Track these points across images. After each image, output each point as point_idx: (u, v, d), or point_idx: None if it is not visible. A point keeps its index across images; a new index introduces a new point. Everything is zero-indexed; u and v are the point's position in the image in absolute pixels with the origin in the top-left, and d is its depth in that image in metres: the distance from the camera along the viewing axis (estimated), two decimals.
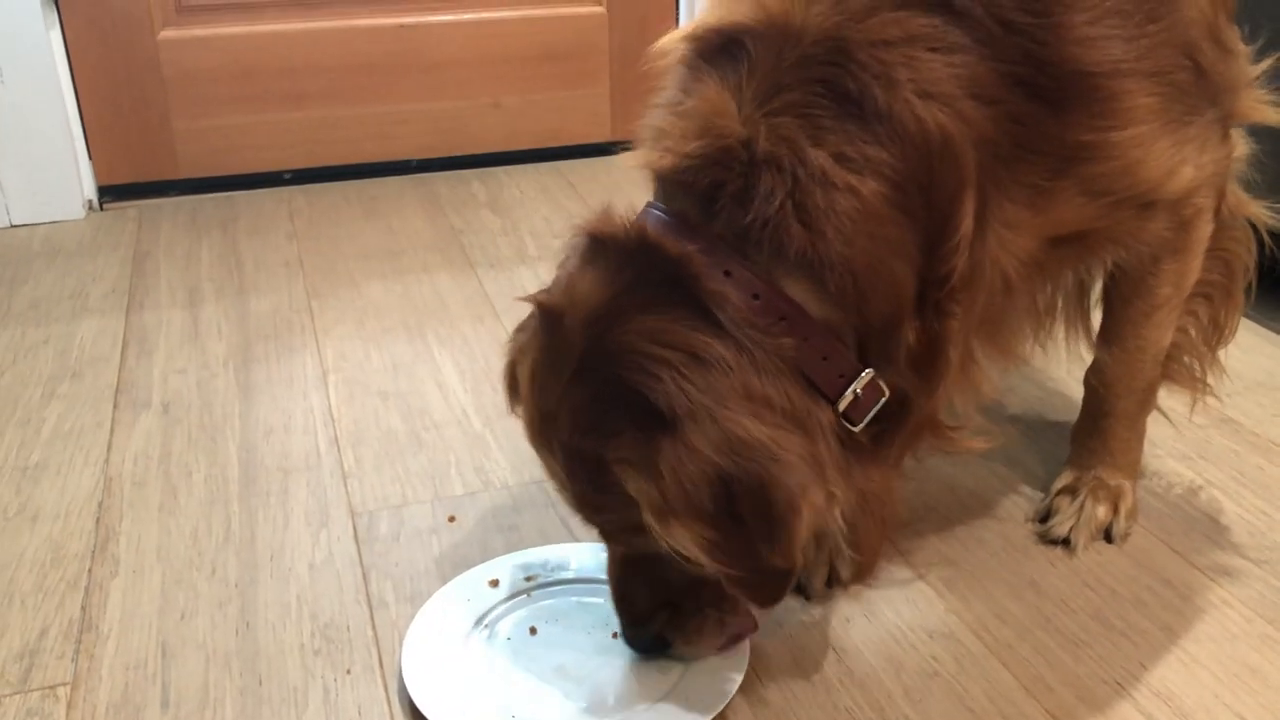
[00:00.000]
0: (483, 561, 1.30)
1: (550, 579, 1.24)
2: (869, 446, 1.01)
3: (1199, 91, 1.08)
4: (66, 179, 2.35)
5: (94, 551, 1.35)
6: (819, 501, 0.94)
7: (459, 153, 2.62)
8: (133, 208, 2.44)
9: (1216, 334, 1.36)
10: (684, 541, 0.93)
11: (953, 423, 1.12)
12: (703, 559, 0.94)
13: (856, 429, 0.99)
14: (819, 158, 0.92)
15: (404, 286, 2.05)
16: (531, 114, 2.64)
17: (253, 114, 2.49)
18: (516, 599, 1.22)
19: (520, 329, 1.04)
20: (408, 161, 2.60)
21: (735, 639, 1.12)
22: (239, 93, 2.46)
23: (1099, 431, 1.36)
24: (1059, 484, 1.38)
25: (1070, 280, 1.32)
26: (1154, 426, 1.57)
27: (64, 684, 1.15)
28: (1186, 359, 1.35)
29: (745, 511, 0.91)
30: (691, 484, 0.90)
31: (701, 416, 0.90)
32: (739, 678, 1.11)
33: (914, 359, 1.01)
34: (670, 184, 0.99)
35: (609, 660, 1.14)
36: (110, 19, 2.35)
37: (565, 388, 0.96)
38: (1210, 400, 1.42)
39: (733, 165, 0.93)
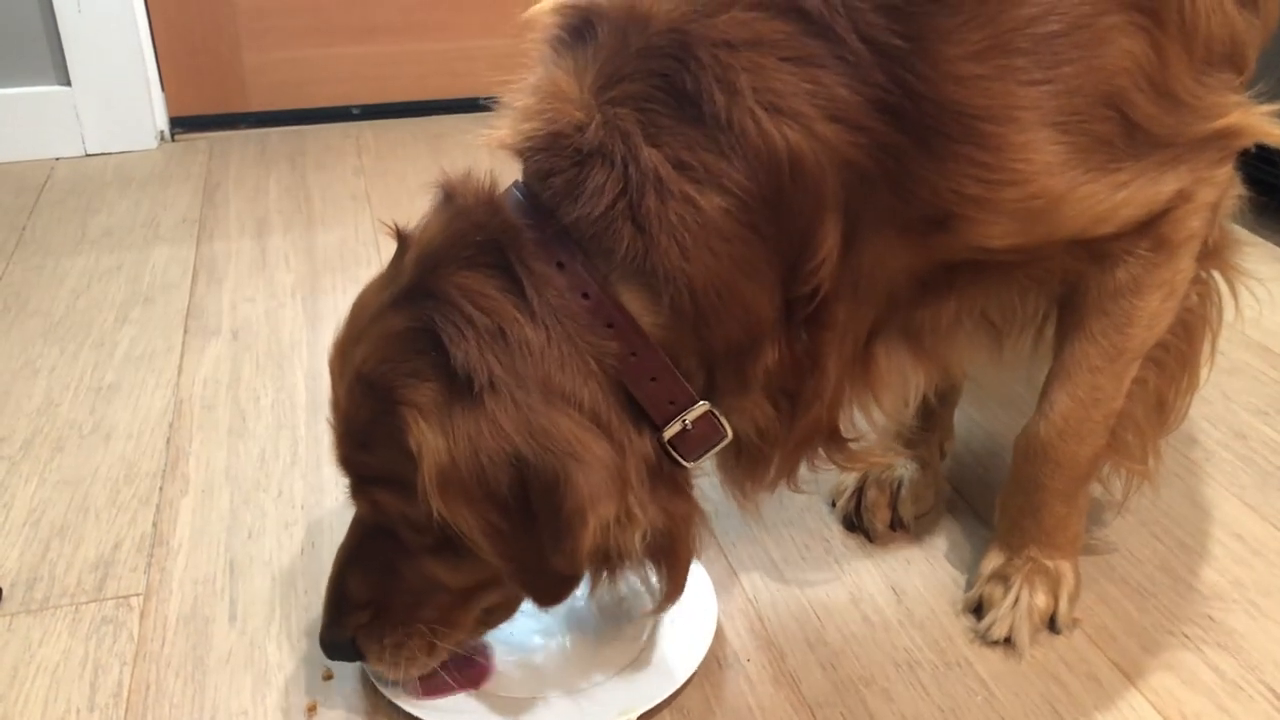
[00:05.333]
0: None
1: None
2: (680, 485, 0.95)
3: (1129, 142, 0.92)
4: (140, 110, 2.38)
5: (165, 470, 1.38)
6: (609, 515, 0.87)
7: None
8: (203, 139, 2.46)
9: (1162, 415, 1.14)
10: (466, 521, 0.86)
11: (851, 434, 1.04)
12: (483, 545, 0.88)
13: (687, 464, 0.94)
14: (654, 159, 0.84)
15: None
16: None
17: (322, 48, 2.49)
18: None
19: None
20: (475, 99, 2.60)
21: (439, 686, 1.01)
22: (309, 26, 2.47)
23: (1032, 508, 1.14)
24: (988, 566, 1.17)
25: (1024, 301, 1.10)
26: (1230, 379, 1.54)
27: (137, 594, 1.18)
28: (1129, 435, 1.13)
29: (537, 505, 0.85)
30: (490, 461, 0.84)
31: (504, 394, 0.84)
32: (707, 642, 1.07)
33: (781, 380, 0.94)
34: (521, 163, 0.93)
35: (571, 628, 1.12)
36: None
37: (381, 313, 0.91)
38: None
39: (564, 152, 0.87)
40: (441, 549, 0.93)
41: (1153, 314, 1.04)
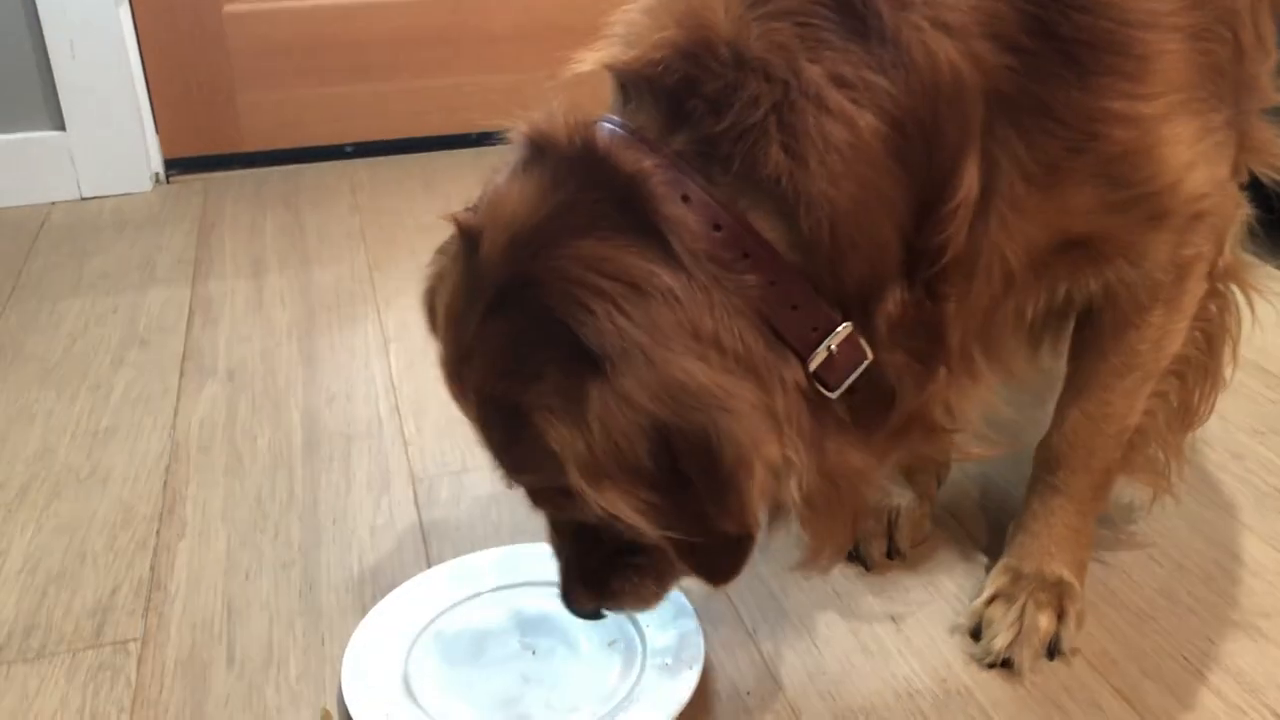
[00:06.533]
0: (540, 527, 1.31)
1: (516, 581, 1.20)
2: (846, 421, 0.89)
3: (1231, 76, 0.95)
4: (134, 152, 2.39)
5: (162, 514, 1.38)
6: (774, 457, 0.81)
7: None
8: (198, 180, 2.47)
9: (1186, 417, 1.16)
10: (619, 506, 0.81)
11: (949, 424, 0.99)
12: (643, 525, 0.83)
13: (833, 394, 0.88)
14: (814, 73, 0.79)
15: None
16: (591, 85, 2.63)
17: (315, 87, 2.51)
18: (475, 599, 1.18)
19: (442, 250, 0.92)
20: (467, 134, 2.61)
21: None
22: (302, 66, 2.48)
23: (1046, 513, 1.16)
24: (992, 585, 1.16)
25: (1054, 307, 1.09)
26: (1226, 399, 1.54)
27: (134, 639, 1.18)
28: (1152, 449, 1.16)
29: (688, 468, 0.80)
30: (624, 437, 0.79)
31: (635, 357, 0.78)
32: (695, 676, 1.06)
33: (900, 338, 0.89)
34: (631, 85, 0.86)
35: (554, 664, 1.11)
36: None
37: (481, 321, 0.84)
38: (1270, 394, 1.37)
39: (711, 63, 0.81)
40: None
41: (1159, 330, 1.06)
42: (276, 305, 1.91)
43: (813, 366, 0.86)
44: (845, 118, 0.80)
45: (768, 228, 0.83)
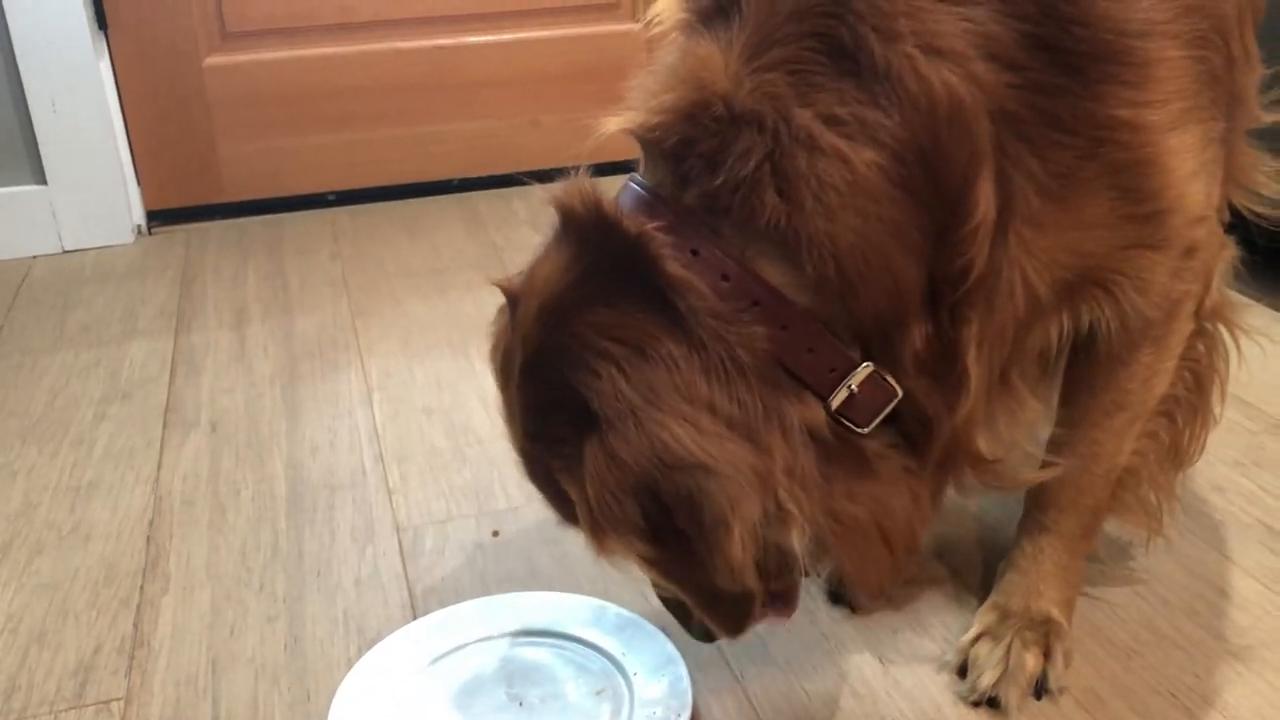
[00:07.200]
0: (528, 576, 1.30)
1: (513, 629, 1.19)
2: (889, 455, 0.91)
3: (1225, 85, 0.97)
4: (116, 204, 2.39)
5: (145, 569, 1.37)
6: (753, 516, 0.83)
7: (499, 171, 2.63)
8: (180, 231, 2.47)
9: (1176, 457, 1.17)
10: (623, 556, 0.87)
11: (993, 455, 1.01)
12: (652, 575, 0.88)
13: (863, 431, 0.90)
14: (805, 117, 0.82)
15: (447, 304, 2.07)
16: (570, 131, 2.65)
17: (296, 137, 2.52)
18: (472, 646, 1.17)
19: (501, 310, 0.97)
20: (449, 181, 2.63)
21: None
22: (282, 116, 2.50)
23: (1035, 551, 1.16)
24: (979, 624, 1.16)
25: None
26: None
27: (118, 699, 1.16)
28: (1143, 489, 1.17)
29: (682, 524, 0.84)
30: (616, 495, 0.83)
31: (627, 419, 0.82)
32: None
33: (926, 367, 0.91)
34: (644, 147, 0.90)
35: (542, 715, 1.09)
36: (157, 47, 2.39)
37: (518, 387, 0.90)
38: (1262, 406, 1.39)
39: (706, 121, 0.84)
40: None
41: (1148, 370, 1.07)
42: (259, 355, 1.91)
43: (834, 405, 0.88)
44: (839, 155, 0.82)
45: (775, 273, 0.86)
